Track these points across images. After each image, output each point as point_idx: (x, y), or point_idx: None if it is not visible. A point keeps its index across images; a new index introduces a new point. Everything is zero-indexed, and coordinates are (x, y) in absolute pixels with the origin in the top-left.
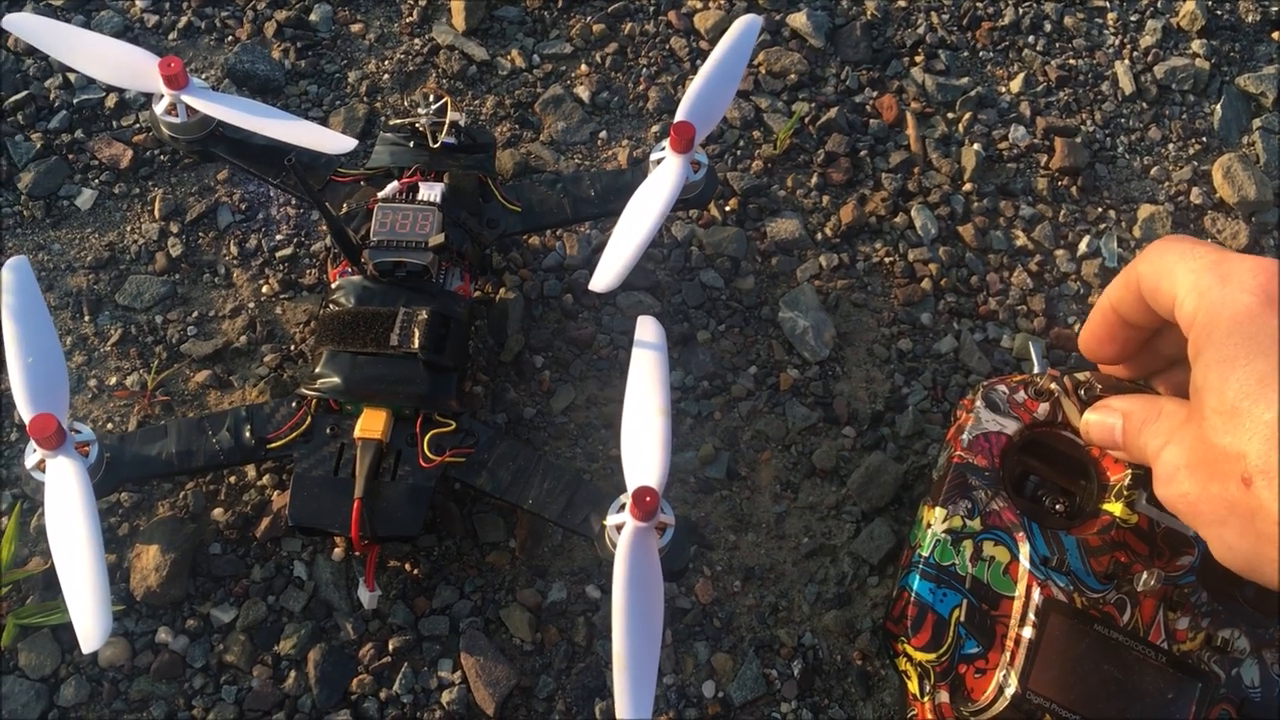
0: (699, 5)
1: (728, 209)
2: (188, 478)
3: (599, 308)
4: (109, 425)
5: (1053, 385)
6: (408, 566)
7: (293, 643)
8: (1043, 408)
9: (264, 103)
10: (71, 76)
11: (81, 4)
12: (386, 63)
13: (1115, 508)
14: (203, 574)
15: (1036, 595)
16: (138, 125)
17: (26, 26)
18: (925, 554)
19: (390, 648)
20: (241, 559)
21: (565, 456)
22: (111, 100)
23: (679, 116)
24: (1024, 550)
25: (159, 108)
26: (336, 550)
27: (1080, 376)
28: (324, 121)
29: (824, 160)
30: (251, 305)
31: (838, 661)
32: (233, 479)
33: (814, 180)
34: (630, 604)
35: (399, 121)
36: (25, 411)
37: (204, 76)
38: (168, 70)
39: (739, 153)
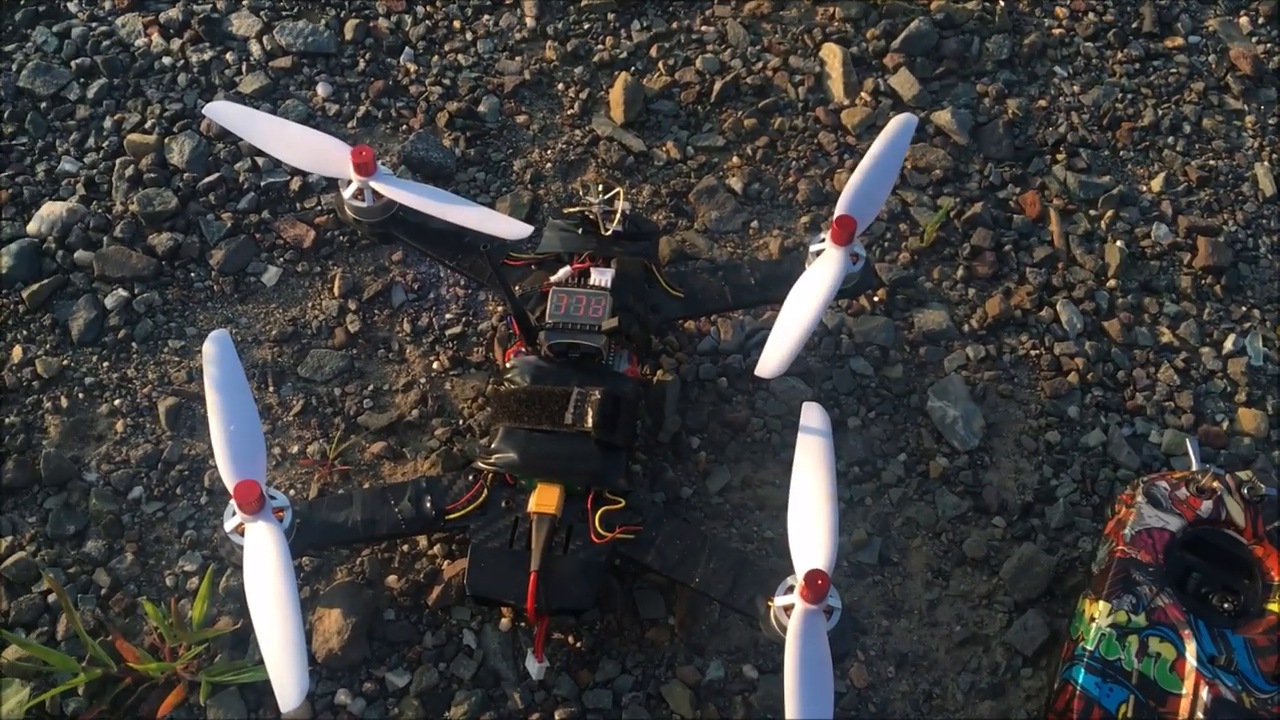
0: (847, 102)
1: (876, 299)
2: (367, 545)
3: (753, 392)
4: (290, 491)
5: (1215, 484)
6: (570, 639)
7: (463, 710)
8: (1205, 505)
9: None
10: (259, 160)
11: (268, 93)
12: (549, 152)
13: None
14: (378, 639)
15: (1205, 694)
16: (319, 207)
17: (227, 114)
18: (1090, 648)
19: (556, 718)
20: (414, 625)
21: (721, 537)
22: (296, 184)
23: (839, 210)
24: (1190, 648)
25: (347, 192)
26: (504, 620)
27: (1243, 475)
28: (491, 207)
29: (969, 254)
30: (423, 380)
31: None
32: (405, 547)
33: (959, 273)
34: (803, 686)
35: (570, 209)
36: (229, 478)
37: (381, 163)
38: (359, 158)
39: (886, 244)
